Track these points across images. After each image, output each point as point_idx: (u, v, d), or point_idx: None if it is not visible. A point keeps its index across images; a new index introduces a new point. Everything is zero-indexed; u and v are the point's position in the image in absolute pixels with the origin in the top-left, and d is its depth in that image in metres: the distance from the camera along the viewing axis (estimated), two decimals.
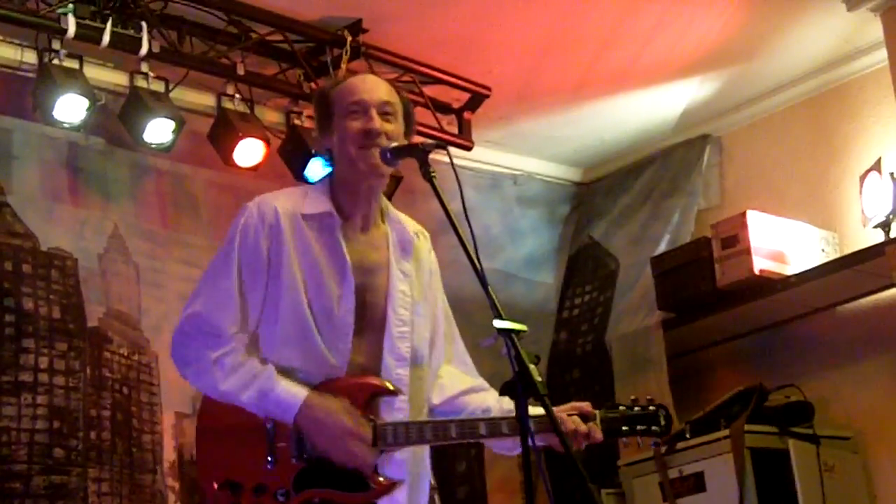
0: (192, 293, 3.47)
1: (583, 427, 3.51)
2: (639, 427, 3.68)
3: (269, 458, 3.33)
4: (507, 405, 3.39)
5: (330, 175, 3.59)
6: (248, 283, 3.41)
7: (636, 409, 3.68)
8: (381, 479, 3.34)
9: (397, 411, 3.41)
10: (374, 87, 3.52)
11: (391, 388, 3.40)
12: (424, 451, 3.54)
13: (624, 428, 3.65)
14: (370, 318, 3.45)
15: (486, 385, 3.67)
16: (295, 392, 3.31)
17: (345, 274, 3.41)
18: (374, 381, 3.41)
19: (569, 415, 3.51)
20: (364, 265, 3.47)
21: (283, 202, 3.48)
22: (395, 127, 3.49)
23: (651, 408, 3.69)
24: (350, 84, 3.53)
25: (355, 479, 3.33)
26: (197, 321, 3.39)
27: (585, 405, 3.59)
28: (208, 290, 3.44)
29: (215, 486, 3.35)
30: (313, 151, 5.87)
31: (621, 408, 3.67)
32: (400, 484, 3.36)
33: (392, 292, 3.49)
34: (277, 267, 3.41)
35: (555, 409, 3.23)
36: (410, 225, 3.63)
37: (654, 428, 3.69)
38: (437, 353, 3.64)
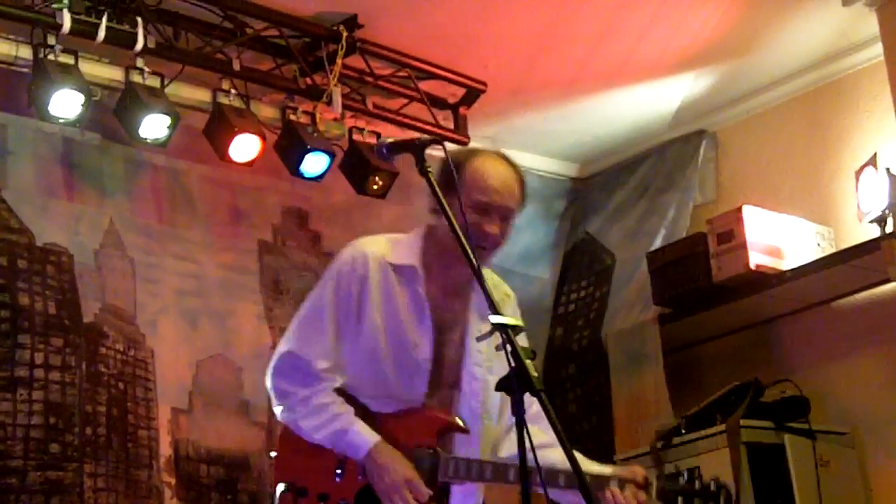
0: (289, 331, 3.67)
1: (642, 498, 3.56)
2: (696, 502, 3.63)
3: (339, 471, 3.51)
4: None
5: (429, 227, 3.68)
6: (342, 326, 3.59)
7: (696, 484, 3.65)
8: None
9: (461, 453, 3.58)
10: (507, 192, 3.62)
11: (461, 425, 3.58)
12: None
13: (680, 499, 3.64)
14: (446, 373, 3.62)
15: (556, 442, 3.71)
16: (367, 436, 3.50)
17: (425, 325, 3.57)
18: (446, 415, 3.59)
19: (622, 480, 3.56)
20: (444, 321, 3.63)
21: (374, 249, 3.65)
22: (509, 228, 3.66)
23: (713, 488, 3.64)
24: (488, 175, 3.61)
25: None
26: (290, 359, 3.60)
27: (640, 472, 3.62)
28: (303, 330, 3.63)
29: (283, 486, 3.54)
30: (308, 147, 5.87)
31: (681, 480, 3.67)
32: None
33: (468, 350, 3.63)
34: (361, 310, 3.58)
35: (610, 469, 3.51)
36: (494, 285, 3.72)
37: None
38: (509, 411, 3.69)
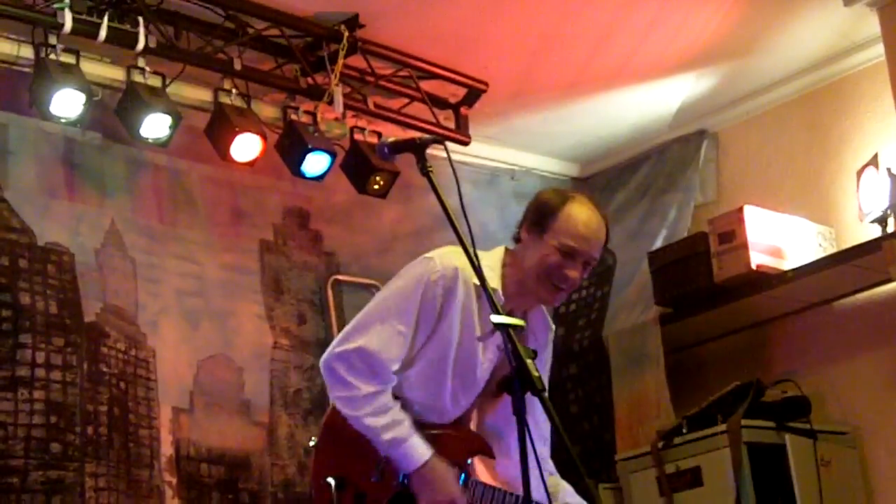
0: (361, 324, 3.69)
1: None
2: None
3: (377, 473, 3.58)
4: (573, 499, 3.70)
5: (510, 255, 3.78)
6: (419, 333, 3.67)
7: None
8: None
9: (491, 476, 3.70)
10: (596, 241, 3.72)
11: (488, 448, 3.73)
12: None
13: None
14: (488, 388, 3.75)
15: (557, 477, 3.82)
16: (423, 450, 3.59)
17: (494, 346, 3.68)
18: (478, 439, 3.74)
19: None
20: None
21: (463, 265, 3.64)
22: (586, 274, 3.75)
23: None
24: (581, 222, 3.70)
25: None
26: (365, 355, 3.62)
27: None
28: (381, 328, 3.66)
29: (326, 480, 3.61)
30: (310, 146, 5.87)
31: None
32: None
33: None
34: (440, 321, 3.66)
35: None
36: (547, 316, 3.90)
37: None
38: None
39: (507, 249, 3.81)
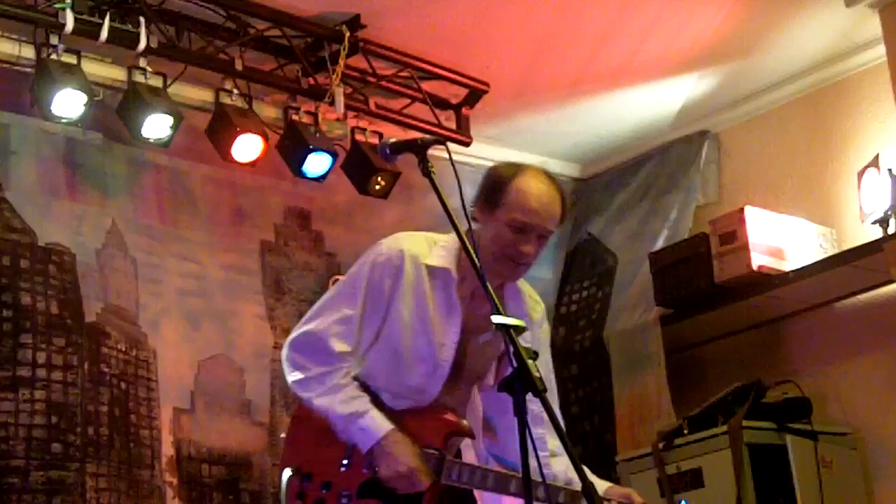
0: (313, 312, 3.68)
1: None
2: None
3: (345, 462, 3.53)
4: (571, 474, 3.64)
5: (468, 233, 3.65)
6: (368, 316, 3.62)
7: None
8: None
9: (476, 456, 3.66)
10: (547, 214, 3.62)
11: (466, 429, 3.63)
12: None
13: None
14: (466, 375, 3.68)
15: (562, 450, 3.71)
16: (382, 423, 3.52)
17: (453, 328, 3.61)
18: (456, 419, 3.62)
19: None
20: (472, 324, 3.64)
21: (412, 246, 3.66)
22: (544, 248, 3.68)
23: None
24: (532, 195, 3.61)
25: (413, 499, 3.51)
26: (312, 338, 3.61)
27: (637, 498, 3.70)
28: (329, 312, 3.64)
29: (290, 471, 3.59)
30: (311, 147, 5.87)
31: None
32: None
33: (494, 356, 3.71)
34: (391, 304, 3.61)
35: (606, 486, 3.61)
36: (529, 294, 3.83)
37: None
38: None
39: (468, 231, 3.66)
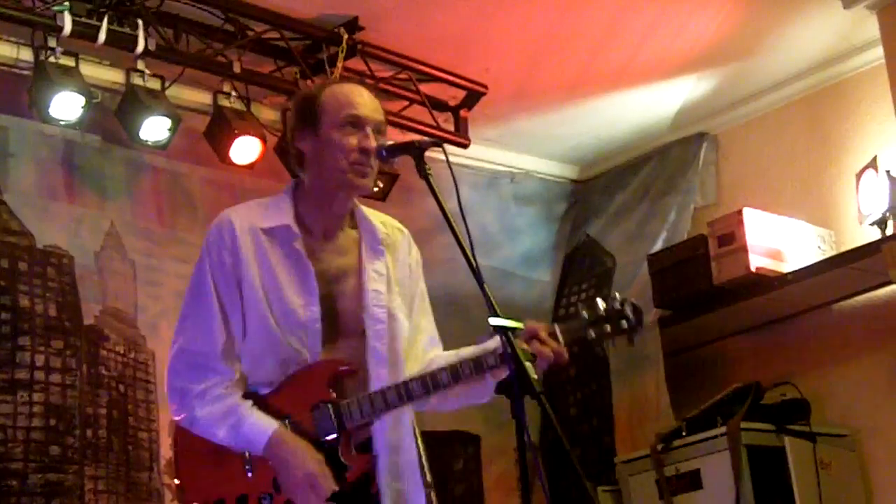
0: (178, 324, 3.50)
1: (546, 350, 3.36)
2: (607, 328, 3.49)
3: (248, 468, 3.36)
4: (469, 352, 3.44)
5: (296, 182, 3.57)
6: (226, 299, 3.44)
7: (601, 311, 3.49)
8: (356, 455, 3.36)
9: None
10: (372, 105, 3.51)
11: (345, 365, 3.40)
12: (404, 423, 3.52)
13: (592, 334, 3.49)
14: (345, 323, 3.46)
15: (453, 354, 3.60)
16: (264, 425, 3.34)
17: (309, 283, 3.42)
18: (325, 361, 3.41)
19: (526, 340, 3.33)
20: (331, 273, 3.48)
21: (241, 216, 3.50)
22: (381, 143, 3.49)
23: (616, 304, 3.50)
24: (346, 94, 3.50)
25: (331, 463, 3.33)
26: (184, 357, 3.44)
27: (539, 326, 3.41)
28: (191, 321, 3.47)
29: None
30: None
31: (583, 314, 3.49)
32: (375, 457, 3.37)
33: (365, 294, 3.49)
34: (241, 280, 3.43)
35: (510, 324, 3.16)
36: (382, 222, 3.61)
37: (623, 324, 3.49)
38: (420, 342, 3.63)
39: (294, 181, 3.57)
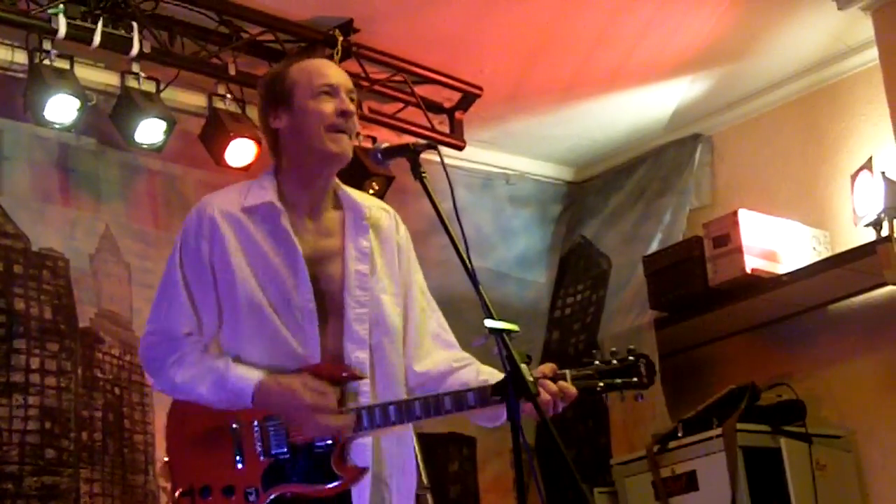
0: (150, 311, 3.51)
1: (553, 388, 3.34)
2: (618, 381, 3.46)
3: (238, 458, 3.32)
4: (485, 376, 3.40)
5: (277, 163, 3.53)
6: (195, 287, 3.41)
7: (613, 361, 3.47)
8: (348, 466, 3.30)
9: (361, 395, 3.36)
10: (343, 74, 3.53)
11: (356, 373, 3.36)
12: (405, 432, 3.49)
13: (601, 384, 3.46)
14: (330, 305, 3.40)
15: (468, 359, 3.55)
16: (249, 376, 3.30)
17: (297, 263, 3.37)
18: (336, 369, 3.36)
19: (537, 379, 3.29)
20: (316, 253, 3.43)
21: (221, 200, 3.47)
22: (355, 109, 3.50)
23: (630, 358, 3.48)
24: (316, 66, 3.51)
25: (323, 470, 3.29)
26: (155, 336, 3.45)
27: (549, 367, 3.41)
28: (161, 301, 3.47)
29: (178, 492, 3.35)
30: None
31: (596, 363, 3.47)
32: (367, 470, 3.31)
33: (347, 275, 3.43)
34: (223, 266, 3.39)
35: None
36: (366, 202, 3.57)
37: (634, 380, 3.46)
38: (412, 328, 3.57)
39: (275, 160, 3.52)
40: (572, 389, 3.38)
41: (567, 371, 3.43)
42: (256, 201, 3.44)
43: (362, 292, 3.43)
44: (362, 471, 3.31)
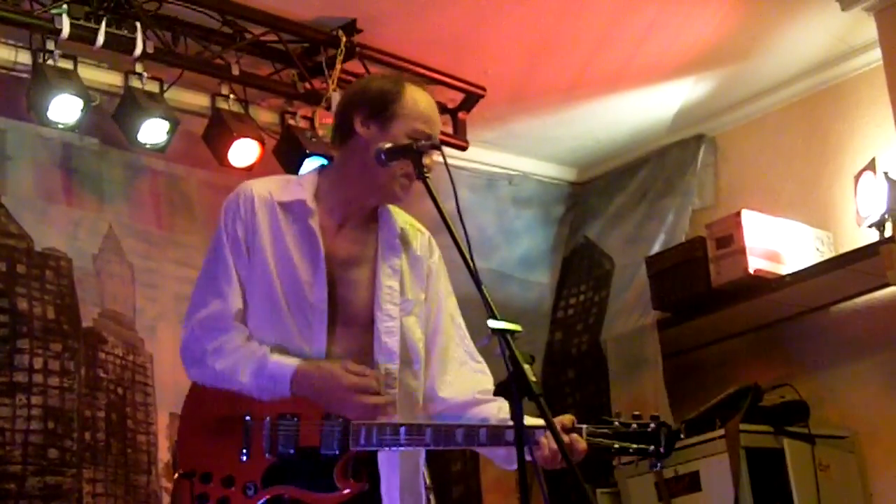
0: (194, 291, 3.49)
1: (580, 446, 3.31)
2: (633, 447, 3.38)
3: (245, 451, 3.32)
4: (504, 415, 3.40)
5: (329, 164, 3.53)
6: (238, 264, 3.42)
7: (633, 425, 3.39)
8: (350, 480, 3.31)
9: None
10: (438, 123, 3.49)
11: (388, 379, 3.38)
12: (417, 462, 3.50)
13: (615, 446, 3.38)
14: (350, 312, 3.42)
15: (490, 395, 3.56)
16: (288, 362, 3.31)
17: (317, 263, 3.39)
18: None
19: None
20: (340, 257, 3.44)
21: (261, 188, 3.48)
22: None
23: (652, 426, 3.38)
24: (426, 107, 3.46)
25: (324, 479, 3.30)
26: (199, 321, 3.42)
27: (567, 419, 3.35)
28: (207, 284, 3.46)
29: (178, 474, 3.36)
30: (307, 151, 5.85)
31: (615, 423, 3.40)
32: (366, 487, 3.33)
33: (378, 287, 3.45)
34: (252, 250, 3.42)
35: (534, 422, 3.17)
36: (401, 221, 3.57)
37: (650, 448, 3.37)
38: (437, 354, 3.57)
39: (331, 161, 3.50)
40: (582, 444, 3.31)
41: (584, 426, 3.36)
42: (290, 197, 3.46)
43: (392, 307, 3.45)
44: (361, 487, 3.32)
